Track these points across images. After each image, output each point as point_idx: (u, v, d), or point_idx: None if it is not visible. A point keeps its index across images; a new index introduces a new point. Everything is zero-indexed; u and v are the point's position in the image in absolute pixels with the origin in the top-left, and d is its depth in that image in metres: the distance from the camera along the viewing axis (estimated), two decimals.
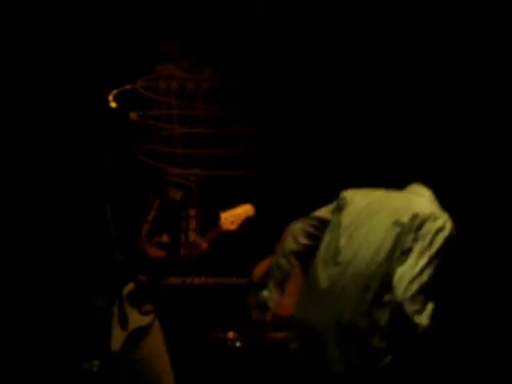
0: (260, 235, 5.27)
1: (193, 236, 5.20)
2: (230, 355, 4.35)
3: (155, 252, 3.82)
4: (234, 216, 3.85)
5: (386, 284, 2.49)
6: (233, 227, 3.85)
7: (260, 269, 4.92)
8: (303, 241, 2.87)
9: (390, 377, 2.51)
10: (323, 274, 2.65)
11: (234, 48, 5.03)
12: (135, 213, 3.96)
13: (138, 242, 3.78)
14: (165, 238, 3.95)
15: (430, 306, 2.44)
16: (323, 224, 2.82)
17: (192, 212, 5.24)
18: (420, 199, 2.64)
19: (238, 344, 4.37)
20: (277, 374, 4.27)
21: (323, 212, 2.86)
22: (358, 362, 2.51)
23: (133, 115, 5.00)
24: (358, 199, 2.74)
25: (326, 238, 2.75)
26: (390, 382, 2.53)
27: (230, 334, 4.42)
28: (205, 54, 5.21)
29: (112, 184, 3.56)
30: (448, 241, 2.48)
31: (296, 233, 2.90)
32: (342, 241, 2.64)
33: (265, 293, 2.96)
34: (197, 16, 4.83)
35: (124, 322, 3.33)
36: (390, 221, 2.57)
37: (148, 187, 4.26)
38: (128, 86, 5.02)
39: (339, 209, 2.76)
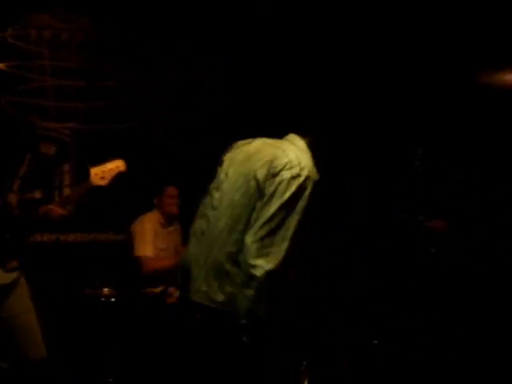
0: (138, 191, 5.26)
1: (67, 191, 5.08)
2: (104, 311, 4.34)
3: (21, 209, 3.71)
4: (104, 171, 3.80)
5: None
6: (103, 182, 3.80)
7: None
8: None
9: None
10: (202, 220, 2.79)
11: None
12: (6, 168, 3.82)
13: (5, 197, 3.65)
14: (37, 195, 3.83)
15: (276, 251, 2.54)
16: None
17: (66, 167, 5.12)
18: (288, 148, 2.74)
19: (112, 299, 4.37)
20: (152, 327, 4.33)
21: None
22: (220, 299, 2.62)
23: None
24: (236, 151, 2.85)
25: (208, 190, 2.85)
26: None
27: (105, 290, 4.40)
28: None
29: None
30: (301, 188, 2.59)
31: None
32: (218, 188, 2.79)
33: None
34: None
35: None
36: (254, 168, 2.69)
37: (19, 142, 4.11)
38: None
39: (221, 164, 2.87)
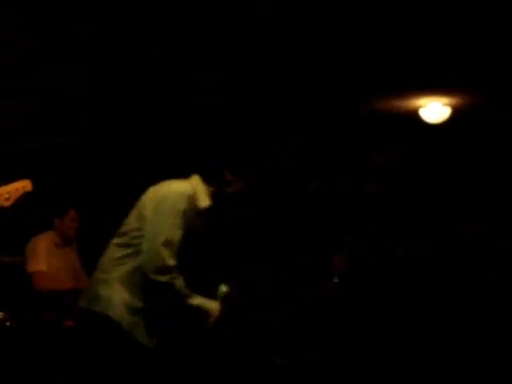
0: (36, 212, 5.16)
1: None
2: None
3: None
4: (9, 192, 3.69)
5: None
6: (8, 203, 3.70)
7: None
8: None
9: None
10: None
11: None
12: None
13: None
14: None
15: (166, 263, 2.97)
16: None
17: None
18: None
19: (7, 324, 4.23)
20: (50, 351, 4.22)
21: None
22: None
23: None
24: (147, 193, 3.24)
25: None
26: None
27: (0, 314, 4.26)
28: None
29: None
30: (168, 199, 3.07)
31: None
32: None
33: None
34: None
35: None
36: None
37: None
38: None
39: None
